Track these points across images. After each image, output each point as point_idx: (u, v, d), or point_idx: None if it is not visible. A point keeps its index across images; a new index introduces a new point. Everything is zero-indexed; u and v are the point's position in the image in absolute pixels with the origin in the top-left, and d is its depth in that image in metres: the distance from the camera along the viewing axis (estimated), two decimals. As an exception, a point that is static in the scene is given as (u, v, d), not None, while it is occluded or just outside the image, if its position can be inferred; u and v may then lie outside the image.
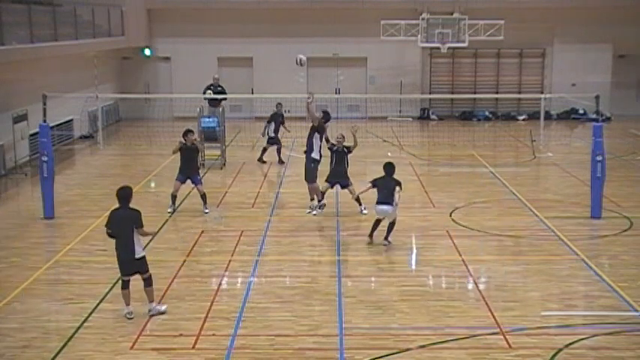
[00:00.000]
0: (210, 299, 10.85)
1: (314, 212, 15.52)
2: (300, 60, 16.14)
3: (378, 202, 13.45)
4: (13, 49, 19.30)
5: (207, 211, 15.66)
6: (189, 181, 15.72)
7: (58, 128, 23.51)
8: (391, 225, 13.53)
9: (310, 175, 15.46)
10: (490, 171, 20.09)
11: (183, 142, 15.68)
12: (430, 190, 17.89)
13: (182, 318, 10.19)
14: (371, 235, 13.53)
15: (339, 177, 15.58)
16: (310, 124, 15.68)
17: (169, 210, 15.65)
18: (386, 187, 13.41)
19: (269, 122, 21.31)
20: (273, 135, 21.21)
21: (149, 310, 10.28)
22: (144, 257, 10.26)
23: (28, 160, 20.68)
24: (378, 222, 13.55)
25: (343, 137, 15.65)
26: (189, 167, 15.78)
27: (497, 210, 16.17)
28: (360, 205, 15.43)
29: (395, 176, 13.56)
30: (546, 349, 9.19)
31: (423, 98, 30.76)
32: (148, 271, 10.29)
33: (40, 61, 21.86)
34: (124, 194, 10.41)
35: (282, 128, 21.38)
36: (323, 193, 15.48)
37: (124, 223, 10.16)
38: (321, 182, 15.53)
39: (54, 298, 10.99)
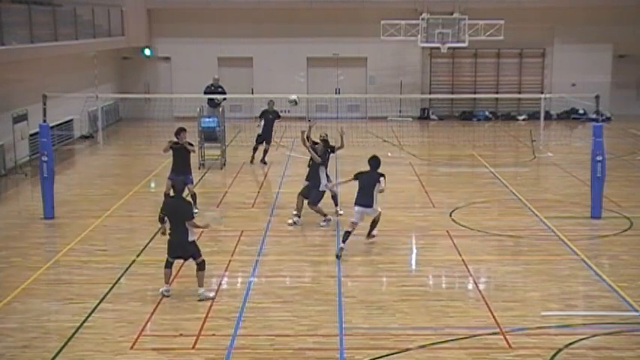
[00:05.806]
0: (210, 299, 10.85)
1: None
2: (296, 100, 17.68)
3: (356, 203, 12.79)
4: (13, 49, 19.29)
5: (196, 210, 14.89)
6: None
7: (58, 128, 23.49)
8: (374, 222, 13.25)
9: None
10: (490, 171, 20.08)
11: (175, 140, 15.15)
12: (430, 190, 17.88)
13: (182, 318, 10.19)
14: (343, 241, 12.67)
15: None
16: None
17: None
18: (367, 184, 12.64)
19: (260, 118, 21.17)
20: (260, 133, 21.02)
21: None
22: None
23: (28, 160, 20.66)
24: (348, 233, 12.66)
25: (327, 136, 15.12)
26: (182, 165, 15.27)
27: (497, 210, 16.18)
28: (337, 205, 15.32)
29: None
30: (546, 349, 9.19)
31: (423, 98, 30.75)
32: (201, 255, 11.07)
33: (40, 61, 21.86)
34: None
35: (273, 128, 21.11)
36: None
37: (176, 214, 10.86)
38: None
39: (54, 298, 10.98)
